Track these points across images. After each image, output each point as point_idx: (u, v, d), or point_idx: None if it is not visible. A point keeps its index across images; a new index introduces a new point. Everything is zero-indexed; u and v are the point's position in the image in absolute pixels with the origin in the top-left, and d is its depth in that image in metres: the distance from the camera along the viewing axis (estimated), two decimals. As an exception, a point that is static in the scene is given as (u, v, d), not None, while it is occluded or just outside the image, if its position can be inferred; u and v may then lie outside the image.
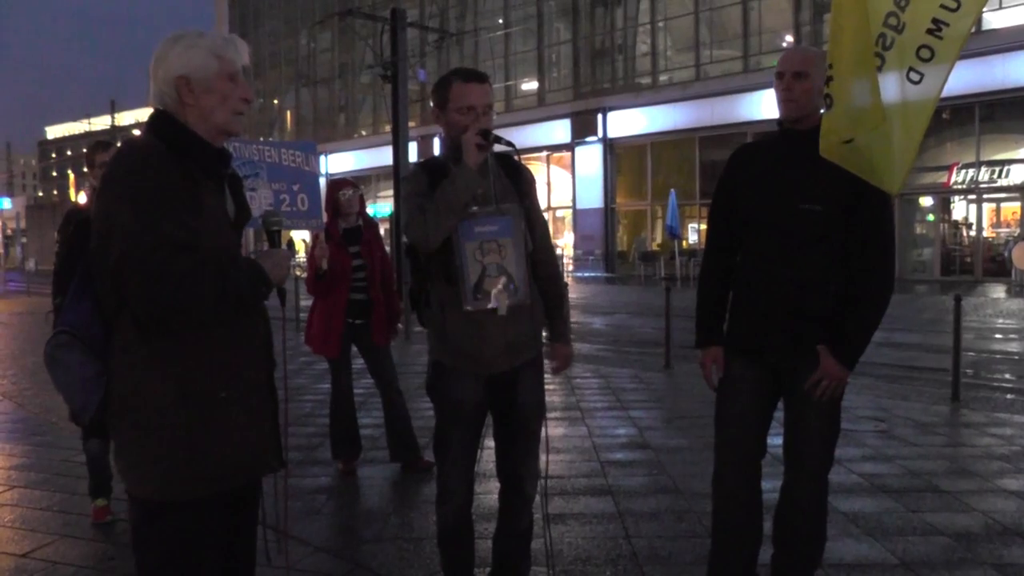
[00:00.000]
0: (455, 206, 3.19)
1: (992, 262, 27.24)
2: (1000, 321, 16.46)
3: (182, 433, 2.36)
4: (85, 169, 5.31)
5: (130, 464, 2.43)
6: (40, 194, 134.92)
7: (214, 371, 2.41)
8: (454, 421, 3.50)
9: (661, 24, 34.89)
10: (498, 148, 3.37)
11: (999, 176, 26.43)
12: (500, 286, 3.28)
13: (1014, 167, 26.20)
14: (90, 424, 2.47)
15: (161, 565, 2.45)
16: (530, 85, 39.38)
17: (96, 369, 2.39)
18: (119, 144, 3.12)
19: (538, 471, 3.63)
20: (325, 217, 6.31)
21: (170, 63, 2.45)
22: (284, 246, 2.66)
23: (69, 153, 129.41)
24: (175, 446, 2.36)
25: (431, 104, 3.45)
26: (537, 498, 3.67)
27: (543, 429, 3.57)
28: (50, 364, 2.43)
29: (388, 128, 26.06)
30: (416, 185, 3.37)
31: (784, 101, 3.37)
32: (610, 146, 35.28)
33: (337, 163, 46.23)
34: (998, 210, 29.29)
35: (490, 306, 3.28)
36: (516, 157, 3.49)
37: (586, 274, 34.32)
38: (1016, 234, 27.03)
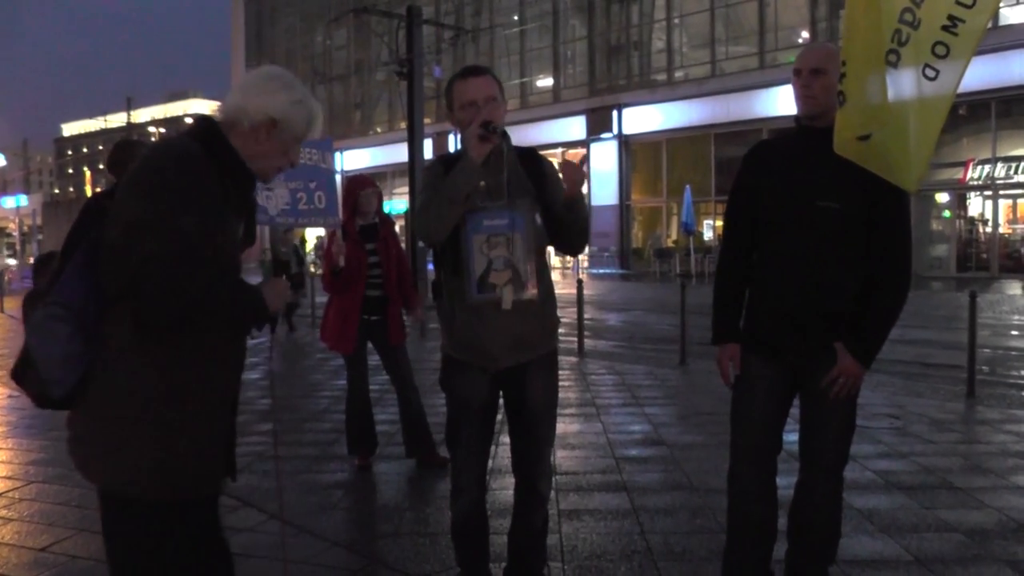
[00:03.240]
0: (455, 198, 3.19)
1: (1008, 258, 27.12)
2: (1016, 318, 16.37)
3: (167, 431, 2.37)
4: (102, 166, 5.33)
5: (105, 452, 2.41)
6: (56, 191, 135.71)
7: (202, 376, 2.43)
8: (463, 416, 3.50)
9: (677, 21, 34.81)
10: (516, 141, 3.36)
11: (1015, 172, 26.23)
12: (505, 280, 3.27)
13: (1031, 163, 26.05)
14: (60, 400, 2.38)
15: (138, 562, 2.47)
16: (545, 82, 39.35)
17: (82, 347, 2.36)
18: (159, 140, 3.09)
19: (551, 470, 3.63)
20: (342, 214, 6.33)
21: (272, 102, 2.54)
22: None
23: (85, 150, 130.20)
24: (158, 443, 2.36)
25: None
26: (553, 494, 3.68)
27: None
28: (35, 331, 2.36)
29: (404, 125, 26.07)
30: (430, 177, 3.38)
31: (802, 98, 3.36)
32: (625, 143, 35.23)
33: (353, 160, 46.26)
34: (1014, 206, 29.15)
35: (494, 299, 3.28)
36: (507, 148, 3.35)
37: (601, 271, 34.28)
38: (1033, 230, 26.90)
